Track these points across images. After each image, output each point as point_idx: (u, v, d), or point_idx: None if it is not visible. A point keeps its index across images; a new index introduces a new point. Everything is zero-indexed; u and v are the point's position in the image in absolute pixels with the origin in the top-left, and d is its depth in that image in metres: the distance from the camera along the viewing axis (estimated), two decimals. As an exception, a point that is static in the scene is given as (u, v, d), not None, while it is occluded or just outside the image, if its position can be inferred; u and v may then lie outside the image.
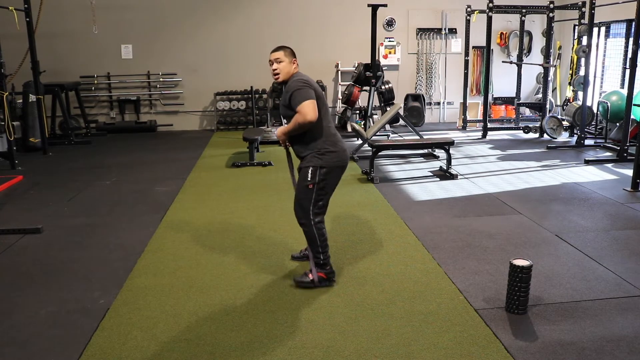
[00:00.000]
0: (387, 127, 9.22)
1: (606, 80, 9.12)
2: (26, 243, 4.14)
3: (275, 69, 3.12)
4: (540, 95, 9.48)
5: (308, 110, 2.95)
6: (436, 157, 7.22)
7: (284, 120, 3.20)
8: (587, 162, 6.72)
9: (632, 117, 6.52)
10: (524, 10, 9.07)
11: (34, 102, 7.73)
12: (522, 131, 8.96)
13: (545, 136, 8.60)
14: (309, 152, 3.11)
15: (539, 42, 10.43)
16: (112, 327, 2.84)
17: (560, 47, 10.17)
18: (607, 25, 8.86)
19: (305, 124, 2.98)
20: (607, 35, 8.97)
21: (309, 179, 3.09)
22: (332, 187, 3.19)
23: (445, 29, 10.37)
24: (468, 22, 9.38)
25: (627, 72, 6.09)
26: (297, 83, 3.03)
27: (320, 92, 3.10)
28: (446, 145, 6.25)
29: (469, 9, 9.29)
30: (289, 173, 3.41)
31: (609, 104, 7.73)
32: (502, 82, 10.44)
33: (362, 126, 8.02)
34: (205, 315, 2.95)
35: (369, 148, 6.45)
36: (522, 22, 9.31)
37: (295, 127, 3.03)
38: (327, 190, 3.17)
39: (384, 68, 8.96)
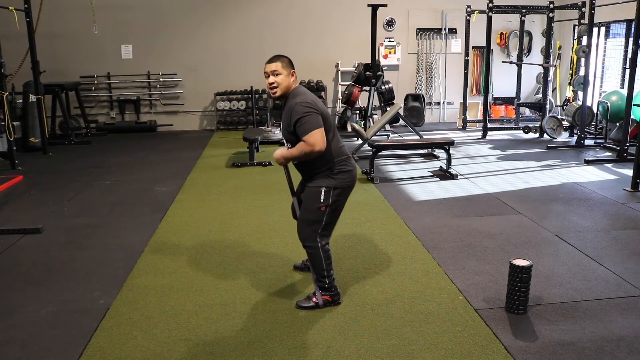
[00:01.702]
0: (387, 127, 9.22)
1: (606, 80, 9.12)
2: (26, 243, 4.14)
3: (273, 83, 2.82)
4: (540, 95, 9.48)
5: (316, 140, 2.70)
6: (436, 157, 7.23)
7: (288, 145, 2.96)
8: (587, 162, 6.72)
9: (632, 117, 6.52)
10: (524, 10, 9.07)
11: (34, 102, 7.73)
12: (522, 131, 8.96)
13: (545, 136, 8.60)
14: (319, 172, 2.88)
15: (539, 42, 10.43)
16: (112, 327, 2.84)
17: (560, 47, 10.18)
18: (607, 25, 8.86)
19: (313, 154, 2.75)
20: (607, 35, 8.97)
21: (321, 200, 2.85)
22: (342, 207, 2.99)
23: (445, 29, 10.37)
24: (468, 22, 9.38)
25: (627, 72, 6.09)
26: (301, 108, 2.73)
27: (326, 112, 2.86)
28: (446, 145, 6.25)
29: (469, 9, 9.29)
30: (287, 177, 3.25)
31: (609, 104, 7.73)
32: (502, 82, 10.44)
33: (362, 126, 8.02)
34: (205, 315, 2.95)
35: (369, 148, 6.45)
36: (522, 22, 9.31)
37: (300, 156, 2.79)
38: (338, 212, 2.97)
39: (384, 68, 8.97)
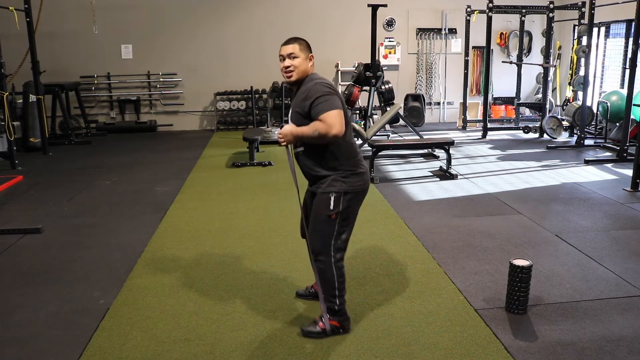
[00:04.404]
0: (387, 127, 9.21)
1: (606, 80, 9.12)
2: (26, 243, 4.14)
3: (289, 66, 2.54)
4: (540, 95, 9.48)
5: (335, 121, 2.39)
6: (436, 157, 7.23)
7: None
8: (587, 162, 6.72)
9: (632, 117, 6.52)
10: (524, 11, 9.08)
11: (34, 102, 7.73)
12: (522, 131, 8.96)
13: (545, 136, 8.60)
14: (329, 174, 2.57)
15: (539, 42, 10.43)
16: (112, 327, 2.84)
17: (560, 47, 10.18)
18: (607, 25, 8.86)
19: (328, 138, 2.43)
20: (607, 35, 8.97)
21: (331, 207, 2.54)
22: (356, 215, 2.68)
23: (445, 29, 10.37)
24: (468, 22, 9.38)
25: (627, 72, 6.09)
26: (320, 87, 2.46)
27: (343, 100, 2.57)
28: (446, 145, 6.25)
29: (469, 9, 9.29)
30: (289, 172, 3.04)
31: (608, 104, 7.73)
32: (502, 82, 10.44)
33: (362, 126, 8.02)
34: (205, 315, 2.95)
35: (369, 148, 6.45)
36: (522, 22, 9.31)
37: (313, 136, 2.45)
38: (351, 220, 2.65)
39: (384, 68, 8.96)
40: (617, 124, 7.74)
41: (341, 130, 2.43)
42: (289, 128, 2.53)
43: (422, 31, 10.38)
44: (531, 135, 8.86)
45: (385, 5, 7.69)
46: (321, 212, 2.58)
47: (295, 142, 2.59)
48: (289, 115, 2.66)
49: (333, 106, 2.42)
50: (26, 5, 7.35)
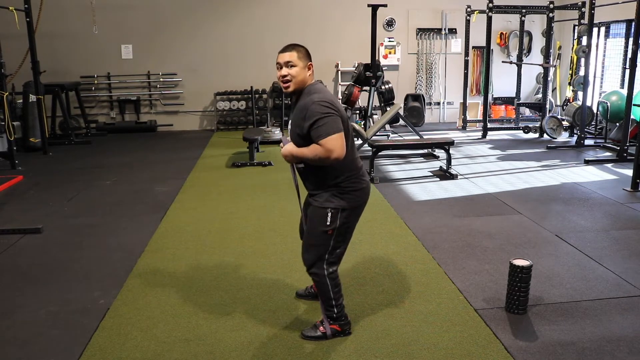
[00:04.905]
0: (387, 127, 9.21)
1: (606, 80, 9.12)
2: (26, 243, 4.14)
3: (286, 76, 2.42)
4: (540, 95, 9.48)
5: (335, 146, 2.31)
6: (436, 157, 7.23)
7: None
8: (587, 162, 6.72)
9: (632, 117, 6.52)
10: (523, 11, 9.07)
11: (34, 102, 7.73)
12: (522, 131, 8.96)
13: (545, 136, 8.60)
14: (327, 189, 2.51)
15: (539, 42, 10.43)
16: (112, 327, 2.84)
17: (560, 47, 10.18)
18: (607, 25, 8.86)
19: (329, 162, 2.35)
20: (607, 35, 8.97)
21: (327, 223, 2.48)
22: (353, 229, 2.62)
23: (445, 29, 10.37)
24: (468, 22, 9.38)
25: (627, 72, 6.09)
26: (319, 107, 2.33)
27: (345, 116, 2.45)
28: (446, 145, 6.25)
29: (469, 9, 9.29)
30: (289, 172, 2.99)
31: (608, 104, 7.73)
32: (502, 82, 10.44)
33: (362, 126, 8.02)
34: (205, 315, 2.95)
35: (369, 148, 6.45)
36: (522, 22, 9.31)
37: (312, 159, 2.38)
38: (348, 236, 2.60)
39: (384, 68, 8.96)
40: (617, 124, 7.74)
41: (341, 153, 2.35)
42: (289, 148, 2.46)
43: (422, 31, 10.38)
44: (531, 135, 8.86)
45: (385, 5, 7.69)
46: (317, 226, 2.52)
47: (296, 162, 2.53)
48: (289, 129, 2.57)
49: (332, 129, 2.32)
50: (26, 5, 7.35)
